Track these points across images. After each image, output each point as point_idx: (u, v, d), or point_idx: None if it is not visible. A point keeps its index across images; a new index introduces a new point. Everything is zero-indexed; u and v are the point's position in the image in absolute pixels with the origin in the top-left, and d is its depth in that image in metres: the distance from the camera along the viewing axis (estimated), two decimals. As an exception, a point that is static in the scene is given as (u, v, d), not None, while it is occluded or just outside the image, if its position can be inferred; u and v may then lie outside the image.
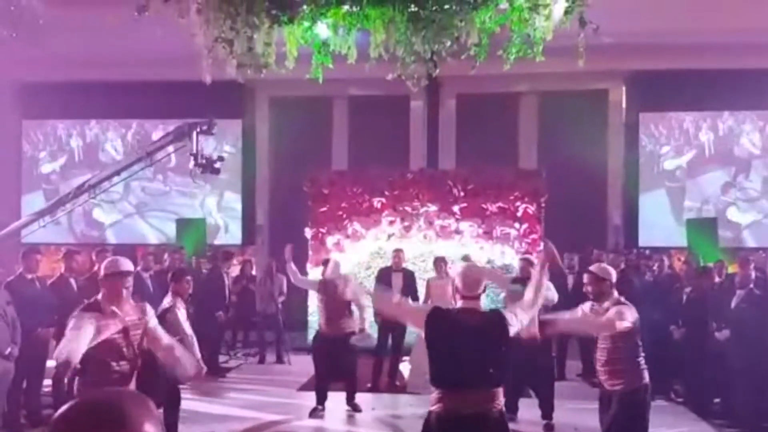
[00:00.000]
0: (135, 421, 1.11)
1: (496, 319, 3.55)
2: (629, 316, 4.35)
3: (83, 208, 13.41)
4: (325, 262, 7.35)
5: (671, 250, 11.47)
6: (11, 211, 13.21)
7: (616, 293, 4.55)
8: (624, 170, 13.04)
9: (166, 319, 5.17)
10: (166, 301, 5.59)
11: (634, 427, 4.50)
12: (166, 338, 4.07)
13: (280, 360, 9.65)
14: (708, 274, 7.40)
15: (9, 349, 5.59)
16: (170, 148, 8.99)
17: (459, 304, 3.59)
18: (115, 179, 10.65)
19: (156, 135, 13.58)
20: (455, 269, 3.74)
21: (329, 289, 6.91)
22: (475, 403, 3.41)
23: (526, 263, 6.78)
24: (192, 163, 11.25)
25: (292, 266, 7.10)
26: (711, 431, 6.50)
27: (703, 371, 6.90)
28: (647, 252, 11.77)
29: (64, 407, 1.12)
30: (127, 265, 4.00)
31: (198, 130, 8.57)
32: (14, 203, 13.70)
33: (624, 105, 13.16)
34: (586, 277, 4.67)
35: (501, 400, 3.51)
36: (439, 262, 8.06)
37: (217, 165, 10.22)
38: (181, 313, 5.48)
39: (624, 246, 12.18)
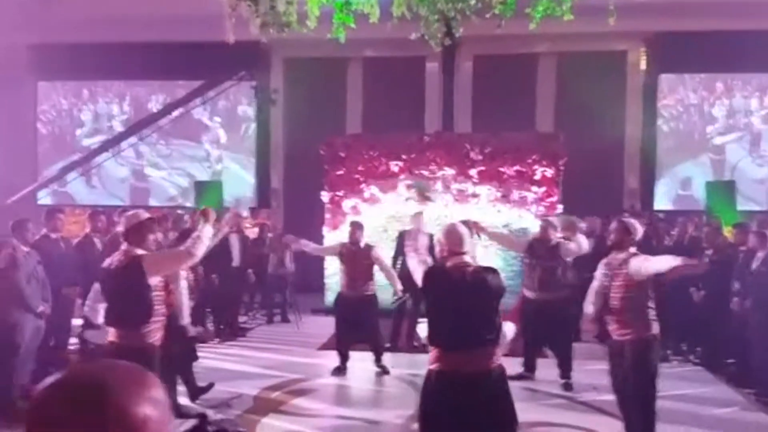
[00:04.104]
0: (121, 403, 0.91)
1: (491, 274, 3.51)
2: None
3: (108, 171, 13.59)
4: (353, 226, 7.37)
5: (688, 213, 11.42)
6: (28, 173, 13.31)
7: (633, 248, 4.69)
8: (642, 133, 12.91)
9: None
10: None
11: (646, 376, 4.58)
12: None
13: (285, 320, 9.85)
14: (734, 241, 7.35)
15: (41, 308, 5.70)
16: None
17: (449, 262, 3.57)
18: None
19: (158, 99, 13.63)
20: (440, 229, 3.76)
21: (351, 253, 7.00)
22: (473, 362, 3.39)
23: (547, 224, 6.80)
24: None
25: (304, 242, 7.20)
26: (729, 392, 6.56)
27: (723, 334, 6.94)
28: (661, 215, 11.77)
29: (41, 386, 0.94)
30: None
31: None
32: (31, 165, 13.78)
33: (643, 67, 12.97)
34: (614, 224, 4.79)
35: (499, 357, 3.48)
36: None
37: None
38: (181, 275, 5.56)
39: (640, 209, 12.14)
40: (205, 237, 4.02)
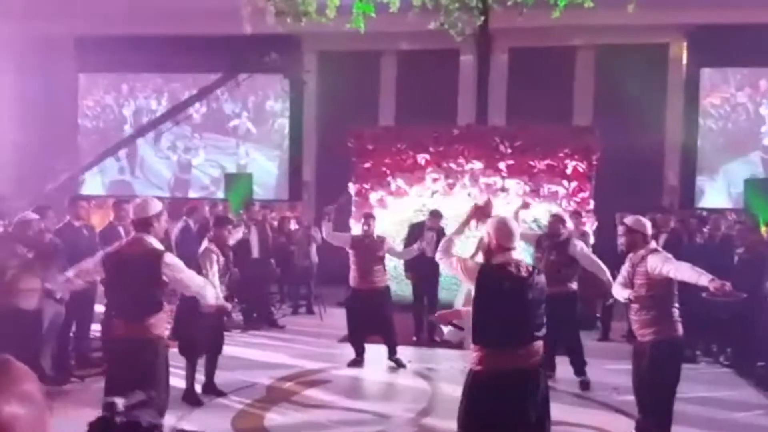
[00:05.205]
0: None
1: (538, 273, 3.53)
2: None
3: (151, 163, 13.88)
4: (366, 217, 7.35)
5: (727, 211, 11.01)
6: (69, 162, 13.66)
7: (652, 244, 4.53)
8: (683, 129, 12.50)
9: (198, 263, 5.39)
10: (202, 247, 5.74)
11: (664, 378, 4.39)
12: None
13: (310, 312, 9.90)
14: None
15: (60, 294, 5.80)
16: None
17: (498, 258, 3.51)
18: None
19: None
20: (488, 223, 3.65)
21: (363, 245, 6.95)
22: (522, 360, 3.40)
23: (557, 220, 6.62)
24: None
25: (327, 223, 7.12)
26: (757, 396, 6.28)
27: (752, 335, 6.64)
28: (704, 213, 11.37)
29: None
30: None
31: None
32: (72, 155, 14.13)
33: (685, 60, 12.54)
34: (620, 229, 4.65)
35: (541, 354, 3.49)
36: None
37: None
38: (213, 259, 5.59)
39: (679, 206, 11.76)
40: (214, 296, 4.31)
